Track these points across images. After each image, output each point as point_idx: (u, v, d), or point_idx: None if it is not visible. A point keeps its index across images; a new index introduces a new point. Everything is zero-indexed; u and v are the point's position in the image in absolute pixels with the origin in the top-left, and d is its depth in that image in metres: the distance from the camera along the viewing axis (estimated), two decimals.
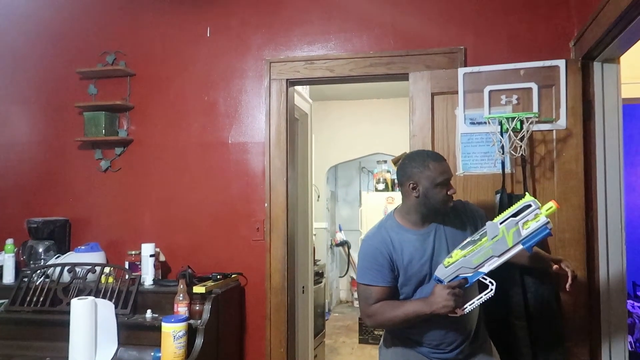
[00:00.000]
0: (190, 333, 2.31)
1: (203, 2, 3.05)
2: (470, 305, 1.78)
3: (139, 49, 3.12)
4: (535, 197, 2.45)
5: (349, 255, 7.68)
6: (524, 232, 1.73)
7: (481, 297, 1.78)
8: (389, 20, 2.83)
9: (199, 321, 2.38)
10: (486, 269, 1.76)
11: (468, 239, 1.81)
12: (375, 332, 5.44)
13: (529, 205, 1.75)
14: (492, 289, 1.77)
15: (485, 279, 1.77)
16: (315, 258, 4.62)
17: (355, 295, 7.44)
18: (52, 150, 3.20)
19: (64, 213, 3.12)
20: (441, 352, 1.92)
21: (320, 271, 4.99)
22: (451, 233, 1.92)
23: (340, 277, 7.86)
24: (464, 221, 1.97)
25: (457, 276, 1.77)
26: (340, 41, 2.90)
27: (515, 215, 1.76)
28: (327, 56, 2.89)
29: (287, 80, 2.94)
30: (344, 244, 7.61)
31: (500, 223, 1.76)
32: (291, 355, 2.95)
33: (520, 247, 1.73)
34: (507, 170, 2.46)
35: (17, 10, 3.30)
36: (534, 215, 1.74)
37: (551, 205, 1.75)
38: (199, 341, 2.32)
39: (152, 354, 2.30)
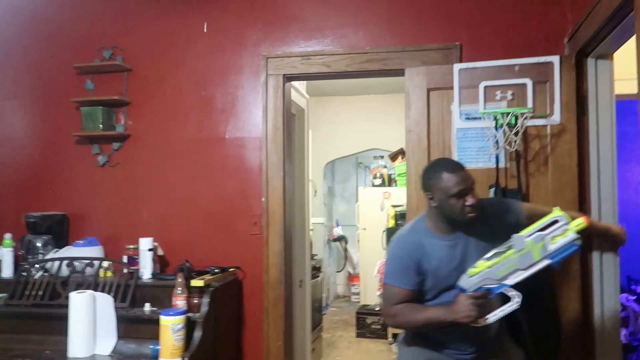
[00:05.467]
0: (189, 326, 2.33)
1: None
2: (493, 316, 1.77)
3: (135, 44, 3.13)
4: (529, 192, 2.48)
5: (345, 250, 7.72)
6: (551, 247, 1.70)
7: (505, 309, 1.76)
8: (384, 17, 2.85)
9: (198, 314, 2.41)
10: (511, 281, 1.74)
11: (494, 250, 1.78)
12: (373, 327, 5.48)
13: (557, 220, 1.72)
14: (517, 302, 1.74)
15: (510, 291, 1.75)
16: (313, 253, 4.65)
17: (352, 290, 7.48)
18: (49, 145, 3.21)
19: (61, 208, 3.13)
20: (462, 353, 1.93)
21: (317, 266, 5.02)
22: (481, 241, 1.88)
23: (337, 272, 7.90)
24: (496, 227, 1.91)
25: (480, 287, 1.76)
26: (336, 37, 2.91)
27: (543, 229, 1.73)
28: (323, 52, 2.90)
29: (283, 75, 2.95)
30: (341, 239, 7.64)
31: (527, 237, 1.73)
32: (289, 349, 2.98)
33: (546, 262, 1.71)
34: (502, 165, 2.49)
35: (12, 5, 3.30)
36: (562, 231, 1.70)
37: (581, 221, 1.71)
38: (197, 334, 2.34)
39: (151, 346, 2.33)
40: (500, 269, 1.74)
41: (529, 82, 2.49)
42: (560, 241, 1.70)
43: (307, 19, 2.94)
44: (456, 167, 1.85)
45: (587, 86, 2.43)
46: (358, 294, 6.84)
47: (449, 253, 1.88)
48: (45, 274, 2.69)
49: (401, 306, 1.91)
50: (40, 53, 3.26)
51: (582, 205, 2.43)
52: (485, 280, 1.75)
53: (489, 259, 1.76)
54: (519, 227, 1.81)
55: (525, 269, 1.72)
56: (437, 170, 1.88)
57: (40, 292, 2.59)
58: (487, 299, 1.77)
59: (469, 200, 1.81)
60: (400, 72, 2.78)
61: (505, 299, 1.78)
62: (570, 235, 1.69)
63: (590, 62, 2.41)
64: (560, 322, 2.29)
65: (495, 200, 2.01)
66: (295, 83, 3.45)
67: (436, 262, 1.88)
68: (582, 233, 1.73)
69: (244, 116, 3.00)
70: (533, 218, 1.82)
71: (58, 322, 2.41)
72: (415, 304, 1.91)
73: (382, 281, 2.00)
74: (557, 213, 1.73)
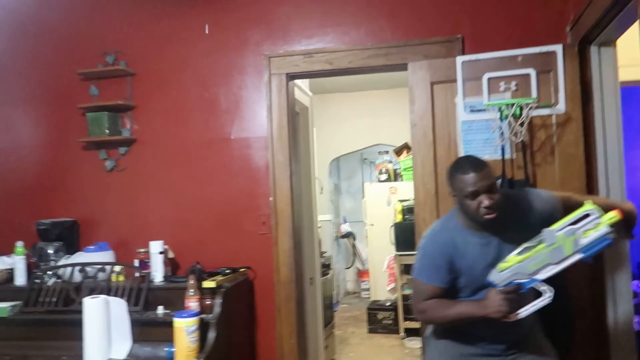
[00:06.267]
0: (202, 327, 2.35)
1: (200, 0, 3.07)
2: (524, 311, 1.76)
3: (138, 48, 3.14)
4: (536, 182, 2.48)
5: (354, 246, 7.72)
6: (583, 241, 1.68)
7: (536, 303, 1.75)
8: (386, 12, 2.85)
9: (211, 315, 2.42)
10: (542, 276, 1.73)
11: (524, 245, 1.76)
12: (384, 322, 5.49)
13: (589, 214, 1.69)
14: (549, 296, 1.74)
15: (541, 286, 1.75)
16: (322, 250, 4.66)
17: (362, 286, 7.49)
18: (57, 152, 3.24)
19: (71, 214, 3.16)
20: (493, 348, 1.92)
21: (326, 263, 5.03)
22: (516, 236, 1.83)
23: (346, 268, 7.90)
24: (530, 220, 1.88)
25: (511, 282, 1.75)
26: (338, 34, 2.92)
27: (574, 223, 1.70)
28: (325, 49, 2.91)
29: (286, 74, 2.96)
30: (349, 235, 7.65)
31: (558, 231, 1.71)
32: (302, 347, 2.99)
33: (579, 256, 1.69)
34: (508, 156, 2.49)
35: (16, 13, 3.32)
36: (595, 225, 1.68)
37: (614, 214, 1.67)
38: (211, 335, 2.36)
39: (166, 349, 2.34)
40: (531, 264, 1.72)
41: (532, 72, 2.48)
42: (592, 235, 1.67)
43: (308, 16, 2.95)
44: (471, 168, 1.82)
45: (591, 74, 2.43)
46: (368, 289, 6.85)
47: (482, 251, 1.86)
48: (58, 280, 2.71)
49: (431, 301, 1.90)
50: (44, 60, 3.28)
51: (590, 194, 2.42)
52: (515, 275, 1.74)
53: (519, 253, 1.75)
54: (553, 219, 1.78)
55: (556, 264, 1.71)
56: (454, 169, 1.88)
57: (54, 299, 2.61)
58: (518, 293, 1.75)
59: (484, 202, 1.79)
60: (403, 67, 2.79)
61: (537, 294, 1.76)
62: (603, 229, 1.66)
63: (593, 49, 2.41)
64: (573, 312, 2.29)
65: (527, 193, 1.97)
66: (298, 81, 3.45)
67: (469, 261, 1.87)
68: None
69: (248, 116, 3.01)
70: (568, 209, 1.80)
71: (73, 328, 2.43)
72: (445, 300, 1.89)
73: (412, 275, 1.99)
74: (589, 206, 1.70)
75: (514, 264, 1.74)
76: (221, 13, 3.04)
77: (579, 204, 1.73)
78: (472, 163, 1.85)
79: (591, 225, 1.68)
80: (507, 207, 1.87)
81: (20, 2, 3.31)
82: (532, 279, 1.74)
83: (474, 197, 1.80)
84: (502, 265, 1.76)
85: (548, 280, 1.75)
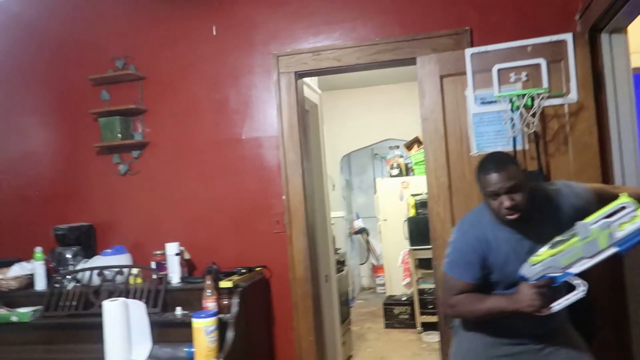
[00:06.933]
0: (221, 327, 2.37)
1: (206, 1, 3.08)
2: (557, 305, 1.73)
3: (147, 52, 3.17)
4: (550, 173, 2.46)
5: (367, 242, 7.72)
6: (619, 235, 1.63)
7: (570, 297, 1.72)
8: (392, 6, 2.84)
9: (228, 315, 2.45)
10: (576, 269, 1.68)
11: (557, 238, 1.72)
12: (401, 317, 5.48)
13: (624, 207, 1.65)
14: (583, 290, 1.70)
15: (575, 280, 1.71)
16: (336, 247, 4.67)
17: (378, 281, 7.49)
18: (71, 157, 3.28)
19: (87, 218, 3.20)
20: (522, 340, 1.90)
21: (341, 259, 5.03)
22: (550, 231, 1.77)
23: (360, 264, 7.91)
24: (564, 214, 1.84)
25: (543, 275, 1.71)
26: (345, 30, 2.91)
27: (609, 216, 1.66)
28: (333, 46, 2.91)
29: (295, 72, 2.97)
30: (362, 231, 7.65)
31: (592, 224, 1.66)
32: (320, 344, 3.01)
33: (614, 249, 1.64)
34: (521, 147, 2.48)
35: (26, 22, 3.36)
36: (631, 218, 1.63)
37: None
38: (230, 334, 2.38)
39: (186, 349, 2.37)
40: (565, 258, 1.68)
41: (542, 62, 2.46)
42: (628, 228, 1.62)
43: (315, 14, 2.95)
44: (493, 168, 1.79)
45: (602, 62, 2.41)
46: (383, 285, 6.85)
47: (515, 247, 1.83)
48: (77, 284, 2.75)
49: (462, 296, 1.88)
50: (56, 68, 3.32)
51: (605, 183, 2.41)
52: (548, 269, 1.70)
53: (551, 247, 1.71)
54: (587, 212, 1.73)
55: (590, 257, 1.66)
56: (478, 167, 1.86)
57: (74, 303, 2.65)
58: (550, 287, 1.72)
59: (505, 203, 1.76)
60: (411, 61, 2.78)
61: (568, 288, 1.73)
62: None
63: (604, 37, 2.39)
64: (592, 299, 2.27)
65: (561, 187, 1.92)
66: (306, 79, 3.46)
67: (502, 257, 1.84)
68: None
69: (258, 116, 3.02)
70: (601, 201, 1.76)
71: (93, 331, 2.46)
72: (476, 294, 1.87)
73: (443, 269, 1.96)
74: (624, 199, 1.66)
75: (547, 258, 1.70)
76: (228, 14, 3.05)
77: (614, 197, 1.69)
78: (495, 162, 1.82)
79: (627, 218, 1.63)
80: (539, 203, 1.84)
81: (30, 13, 3.36)
82: (566, 272, 1.70)
83: (495, 196, 1.78)
84: (534, 258, 1.73)
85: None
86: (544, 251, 1.72)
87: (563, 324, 1.94)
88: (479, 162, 1.89)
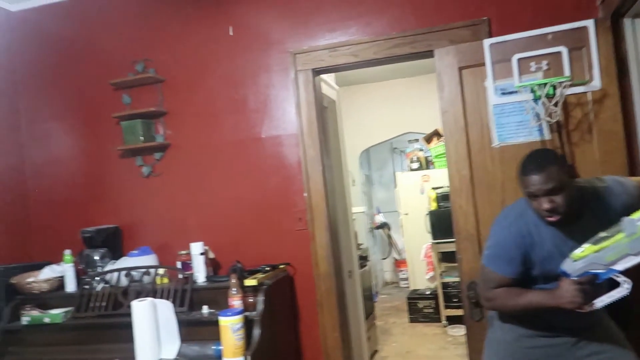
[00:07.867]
0: (247, 325, 2.40)
1: (222, 2, 3.10)
2: (601, 302, 1.68)
3: (166, 55, 3.21)
4: (575, 162, 2.42)
5: (389, 236, 7.71)
6: None
7: (613, 295, 1.67)
8: None
9: (254, 312, 2.47)
10: (620, 266, 1.64)
11: (601, 234, 1.67)
12: (425, 311, 5.47)
13: None
14: (627, 288, 1.65)
15: (619, 277, 1.66)
16: (358, 242, 4.67)
17: (400, 275, 7.47)
18: (95, 161, 3.34)
19: (113, 220, 3.26)
20: (559, 333, 1.88)
21: (364, 255, 5.04)
22: (594, 230, 1.72)
23: (382, 259, 7.90)
24: (611, 214, 1.77)
25: (586, 272, 1.67)
26: (361, 25, 2.91)
27: None
28: (349, 42, 2.91)
29: (312, 69, 2.97)
30: (383, 226, 7.64)
31: (639, 220, 1.61)
32: (345, 339, 3.02)
33: None
34: (544, 137, 2.44)
35: (46, 31, 3.43)
36: None
37: None
38: (256, 332, 2.41)
39: (214, 347, 2.40)
40: (609, 254, 1.63)
41: (564, 49, 2.42)
42: None
43: (330, 10, 2.95)
44: (533, 170, 1.75)
45: (625, 47, 2.36)
46: (406, 279, 6.83)
47: (558, 243, 1.80)
48: (106, 285, 2.81)
49: (501, 290, 1.86)
50: (78, 73, 3.38)
51: (632, 170, 2.37)
52: (591, 265, 1.66)
53: (595, 242, 1.66)
54: (634, 208, 1.69)
55: (636, 254, 1.61)
56: (520, 166, 1.82)
57: (104, 303, 2.71)
58: (593, 284, 1.68)
59: (544, 205, 1.73)
60: (429, 54, 2.76)
61: (610, 284, 1.69)
62: None
63: (627, 22, 2.34)
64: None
65: (608, 183, 1.88)
66: (324, 75, 3.46)
67: (545, 253, 1.81)
68: None
69: (277, 114, 3.03)
70: None
71: (123, 331, 2.52)
72: (515, 288, 1.85)
73: (482, 262, 1.94)
74: None
75: (590, 254, 1.66)
76: (244, 14, 3.07)
77: None
78: (535, 163, 1.77)
79: None
80: (588, 200, 1.81)
81: (50, 22, 3.43)
82: (610, 269, 1.65)
83: (534, 197, 1.76)
84: (576, 254, 1.68)
85: None
86: (587, 247, 1.67)
87: (601, 318, 1.91)
88: (521, 160, 1.84)
